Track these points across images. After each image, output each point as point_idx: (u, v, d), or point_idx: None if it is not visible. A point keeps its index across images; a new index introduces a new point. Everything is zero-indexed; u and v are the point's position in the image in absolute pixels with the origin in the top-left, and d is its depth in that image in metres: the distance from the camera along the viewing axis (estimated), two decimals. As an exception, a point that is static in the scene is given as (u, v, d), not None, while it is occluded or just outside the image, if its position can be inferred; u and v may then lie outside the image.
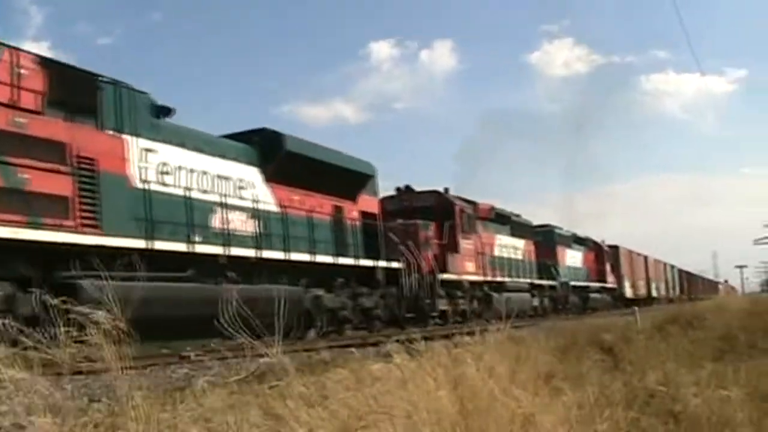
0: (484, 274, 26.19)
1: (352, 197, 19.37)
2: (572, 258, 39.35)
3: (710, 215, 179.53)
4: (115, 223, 12.06)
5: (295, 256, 16.15)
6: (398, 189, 25.25)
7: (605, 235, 55.08)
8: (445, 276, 23.08)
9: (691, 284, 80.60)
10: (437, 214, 24.36)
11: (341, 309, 17.79)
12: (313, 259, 16.68)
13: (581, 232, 43.54)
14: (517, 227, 31.25)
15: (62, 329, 4.83)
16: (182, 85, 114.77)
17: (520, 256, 30.79)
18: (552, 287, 34.10)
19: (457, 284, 24.18)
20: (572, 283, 37.26)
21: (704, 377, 7.47)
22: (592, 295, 40.88)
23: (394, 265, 20.08)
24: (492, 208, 28.49)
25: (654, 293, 58.38)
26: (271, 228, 16.14)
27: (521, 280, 29.81)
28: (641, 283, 54.62)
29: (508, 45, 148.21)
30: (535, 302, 31.70)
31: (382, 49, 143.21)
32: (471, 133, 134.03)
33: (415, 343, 6.54)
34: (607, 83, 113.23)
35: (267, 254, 15.52)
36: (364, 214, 19.73)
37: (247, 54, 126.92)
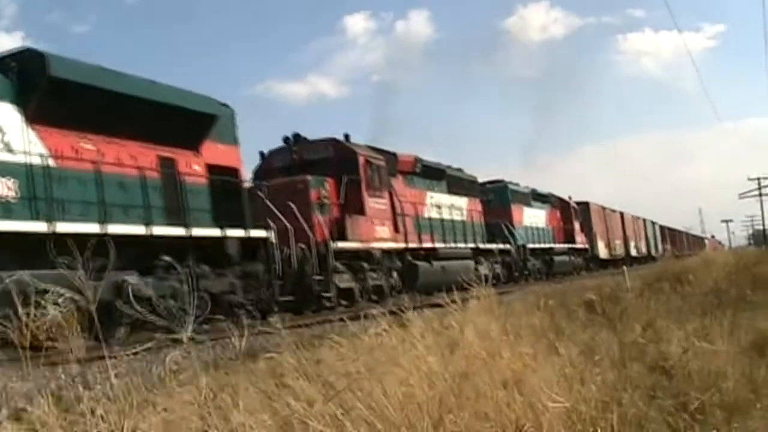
0: (406, 240, 21.20)
1: (191, 146, 14.38)
2: (532, 217, 34.42)
3: (694, 172, 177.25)
4: None
5: (68, 227, 11.13)
6: (286, 138, 20.14)
7: (589, 197, 51.08)
8: (343, 245, 18.09)
9: (676, 241, 76.18)
10: (337, 167, 19.33)
11: (169, 296, 12.77)
12: (104, 230, 11.65)
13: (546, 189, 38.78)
14: (456, 183, 26.30)
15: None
16: (155, 67, 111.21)
17: (461, 217, 25.83)
18: (505, 251, 29.18)
19: (365, 254, 19.23)
20: (531, 245, 32.39)
21: (693, 332, 7.67)
22: (558, 258, 36.08)
23: (255, 233, 15.10)
24: (417, 160, 23.42)
25: (633, 252, 54.05)
26: (36, 190, 11.17)
27: (461, 245, 24.85)
28: (617, 243, 50.15)
29: (483, 11, 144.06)
30: (484, 270, 26.73)
31: (357, 23, 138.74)
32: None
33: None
34: (584, 44, 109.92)
35: (16, 226, 10.58)
36: (215, 168, 14.76)
37: (221, 34, 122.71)
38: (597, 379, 5.35)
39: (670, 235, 73.61)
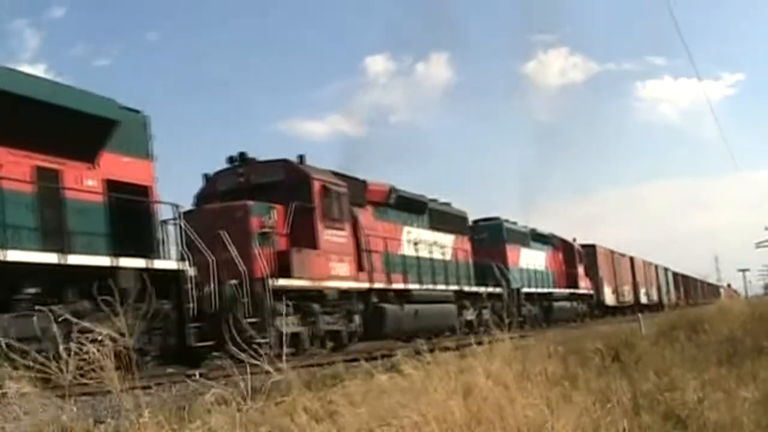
0: (371, 280, 18.40)
1: (84, 156, 11.81)
2: (530, 259, 31.61)
3: (711, 219, 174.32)
4: None
5: None
6: (231, 158, 17.47)
7: (606, 242, 48.66)
8: (286, 282, 15.33)
9: (689, 289, 73.01)
10: (289, 193, 16.69)
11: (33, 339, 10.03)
12: None
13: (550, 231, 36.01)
14: (440, 219, 23.53)
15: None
16: (178, 104, 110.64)
17: (444, 256, 23.07)
18: (496, 296, 26.31)
19: (316, 294, 16.46)
20: (527, 289, 29.49)
21: (709, 381, 7.68)
22: (558, 303, 33.22)
23: (162, 264, 12.39)
24: (391, 190, 20.68)
25: (643, 299, 50.96)
26: None
27: (441, 287, 22.03)
28: (626, 289, 47.29)
29: (503, 55, 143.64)
30: (469, 315, 23.93)
31: (377, 64, 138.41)
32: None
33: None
34: (603, 90, 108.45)
35: None
36: (117, 185, 12.17)
37: (243, 72, 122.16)
38: (611, 428, 5.43)
39: (683, 282, 70.97)
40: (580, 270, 37.67)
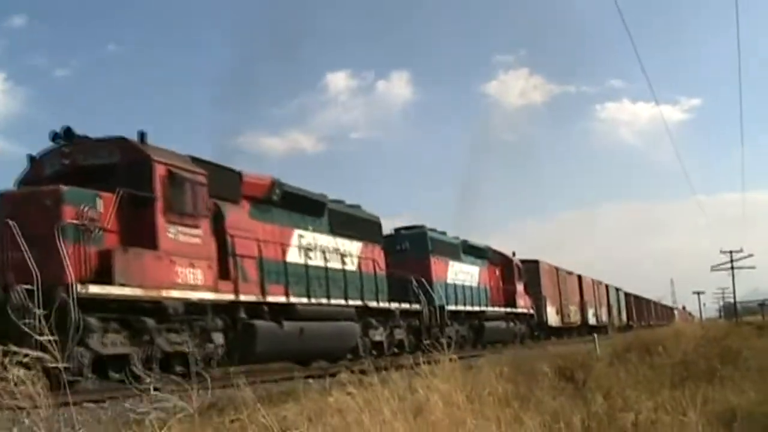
0: (237, 291, 14.95)
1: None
2: (460, 274, 28.29)
3: (668, 243, 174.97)
4: None
5: None
6: (54, 135, 13.97)
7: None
8: (100, 290, 11.85)
9: (642, 310, 70.69)
10: (126, 178, 13.29)
11: None
12: None
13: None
14: (344, 223, 20.21)
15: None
16: (136, 116, 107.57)
17: (347, 266, 19.75)
18: (413, 313, 23.05)
19: (153, 308, 13.02)
20: (452, 307, 26.12)
21: (662, 403, 7.84)
22: (491, 324, 29.90)
23: None
24: (274, 184, 17.24)
25: (591, 320, 48.77)
26: None
27: (338, 302, 18.65)
28: (572, 309, 44.65)
29: (464, 75, 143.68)
30: (377, 336, 20.65)
31: (338, 81, 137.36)
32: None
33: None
34: (563, 112, 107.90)
35: None
36: None
37: (203, 85, 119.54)
38: None
39: (636, 303, 68.90)
40: (519, 287, 34.62)
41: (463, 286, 28.06)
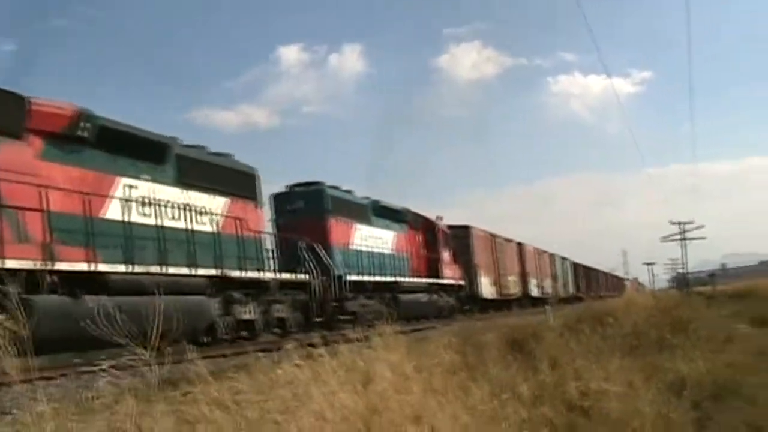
0: (1, 255, 10.69)
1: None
2: (370, 239, 24.23)
3: (619, 214, 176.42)
4: None
5: None
6: None
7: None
8: None
9: (591, 281, 68.57)
10: None
11: None
12: None
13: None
14: (198, 172, 16.12)
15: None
16: (86, 91, 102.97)
17: (203, 226, 15.65)
18: (299, 285, 18.89)
19: None
20: (355, 277, 21.88)
21: (613, 372, 7.82)
22: (408, 296, 25.51)
23: None
24: (82, 116, 13.21)
25: (534, 292, 45.28)
26: None
27: (178, 270, 14.40)
28: (511, 280, 40.84)
29: (416, 48, 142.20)
30: (245, 314, 16.41)
31: (290, 54, 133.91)
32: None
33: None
34: (514, 85, 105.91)
35: None
36: None
37: (151, 60, 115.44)
38: (512, 417, 5.66)
39: (585, 273, 66.73)
40: (446, 255, 30.48)
41: (373, 253, 24.00)
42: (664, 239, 63.21)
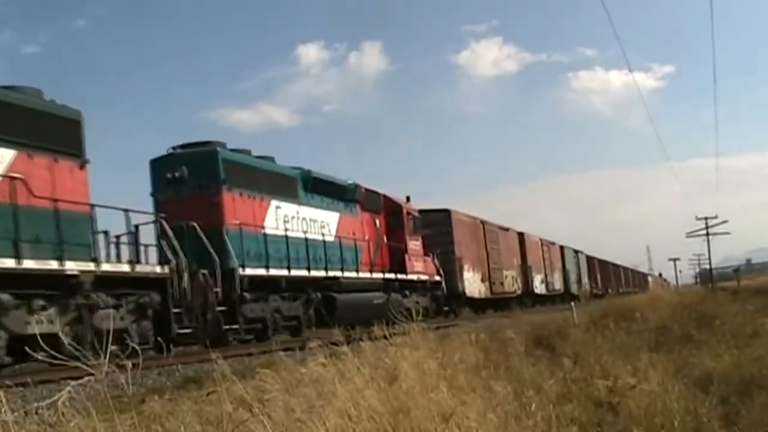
0: None
1: None
2: (296, 221, 19.01)
3: (642, 209, 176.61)
4: None
5: None
6: None
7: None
8: None
9: (610, 277, 65.36)
10: None
11: None
12: None
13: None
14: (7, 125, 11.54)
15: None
16: (106, 91, 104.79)
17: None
18: (147, 282, 13.77)
19: None
20: (258, 271, 16.90)
21: (641, 368, 8.00)
22: (348, 296, 20.06)
23: None
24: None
25: (539, 289, 40.67)
26: None
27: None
28: (509, 275, 35.29)
29: (436, 45, 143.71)
30: (34, 327, 10.56)
31: (310, 52, 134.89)
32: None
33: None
34: (535, 81, 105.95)
35: None
36: None
37: (171, 59, 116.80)
38: (537, 414, 5.67)
39: (602, 268, 61.89)
40: (413, 245, 24.68)
41: (301, 240, 18.78)
42: (690, 234, 63.71)
